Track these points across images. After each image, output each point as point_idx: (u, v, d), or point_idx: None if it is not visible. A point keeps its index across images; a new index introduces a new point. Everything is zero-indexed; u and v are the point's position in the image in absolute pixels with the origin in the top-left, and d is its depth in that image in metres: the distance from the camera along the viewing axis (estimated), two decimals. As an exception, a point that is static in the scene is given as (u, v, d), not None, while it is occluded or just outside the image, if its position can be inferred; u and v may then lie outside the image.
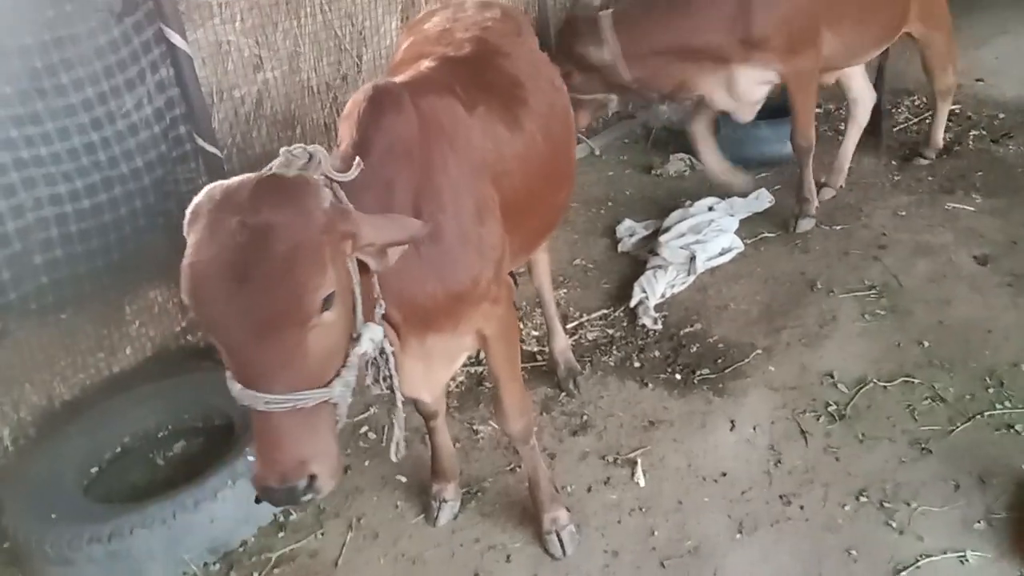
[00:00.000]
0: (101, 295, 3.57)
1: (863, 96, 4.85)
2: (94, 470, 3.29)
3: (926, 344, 3.49)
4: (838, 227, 4.39)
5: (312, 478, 1.70)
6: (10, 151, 3.18)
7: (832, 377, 3.38)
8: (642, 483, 3.00)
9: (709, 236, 4.20)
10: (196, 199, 1.68)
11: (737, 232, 4.38)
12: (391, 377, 2.11)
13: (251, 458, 2.96)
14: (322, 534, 2.96)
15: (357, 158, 1.92)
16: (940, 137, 5.09)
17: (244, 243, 1.58)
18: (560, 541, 2.75)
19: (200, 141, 3.84)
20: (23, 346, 3.36)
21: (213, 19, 3.88)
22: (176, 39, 3.68)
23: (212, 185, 1.69)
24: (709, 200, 4.64)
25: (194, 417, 3.45)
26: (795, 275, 4.05)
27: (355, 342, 1.84)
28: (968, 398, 3.19)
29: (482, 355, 3.65)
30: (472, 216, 2.28)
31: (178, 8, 3.70)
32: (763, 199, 4.67)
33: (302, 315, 1.63)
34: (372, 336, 1.88)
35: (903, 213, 4.50)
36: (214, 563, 2.88)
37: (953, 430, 3.05)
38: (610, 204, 5.09)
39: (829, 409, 3.23)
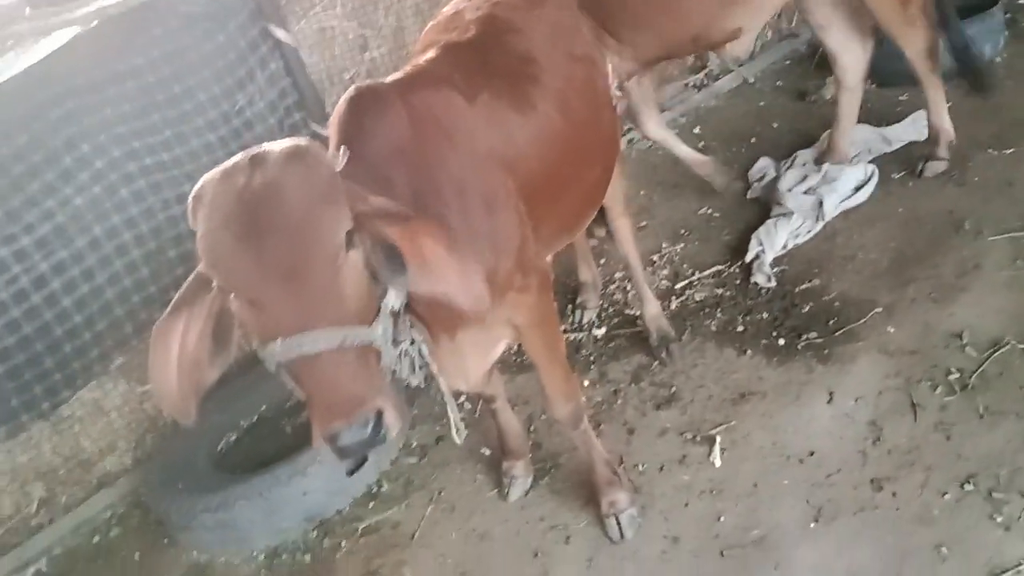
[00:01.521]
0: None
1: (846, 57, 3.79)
2: (233, 439, 3.70)
3: (1088, 296, 2.93)
4: (1008, 151, 3.73)
5: (379, 414, 1.65)
6: (135, 160, 3.55)
7: (961, 339, 2.94)
8: (718, 463, 2.84)
9: (836, 171, 3.75)
10: (193, 192, 1.70)
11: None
12: (427, 365, 2.12)
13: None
14: (406, 506, 3.13)
15: (343, 147, 1.90)
16: (948, 123, 3.70)
17: (257, 196, 1.61)
18: (619, 524, 2.69)
19: (315, 127, 4.06)
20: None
21: (315, 8, 4.03)
22: (280, 33, 3.88)
23: (206, 174, 1.73)
24: (857, 130, 4.13)
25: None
26: (942, 214, 3.52)
27: (383, 298, 1.83)
28: None
29: (571, 324, 3.62)
30: (480, 208, 2.23)
31: (279, 3, 3.89)
32: (922, 124, 4.05)
33: (331, 248, 1.65)
34: (398, 291, 1.86)
35: (1100, 128, 3.74)
36: (312, 531, 3.14)
37: (1101, 406, 2.57)
38: (753, 141, 4.69)
39: (950, 378, 2.83)
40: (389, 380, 1.85)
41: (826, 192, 3.70)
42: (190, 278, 1.79)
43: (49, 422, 3.51)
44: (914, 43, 3.54)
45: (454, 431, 2.27)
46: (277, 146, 1.73)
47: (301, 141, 1.79)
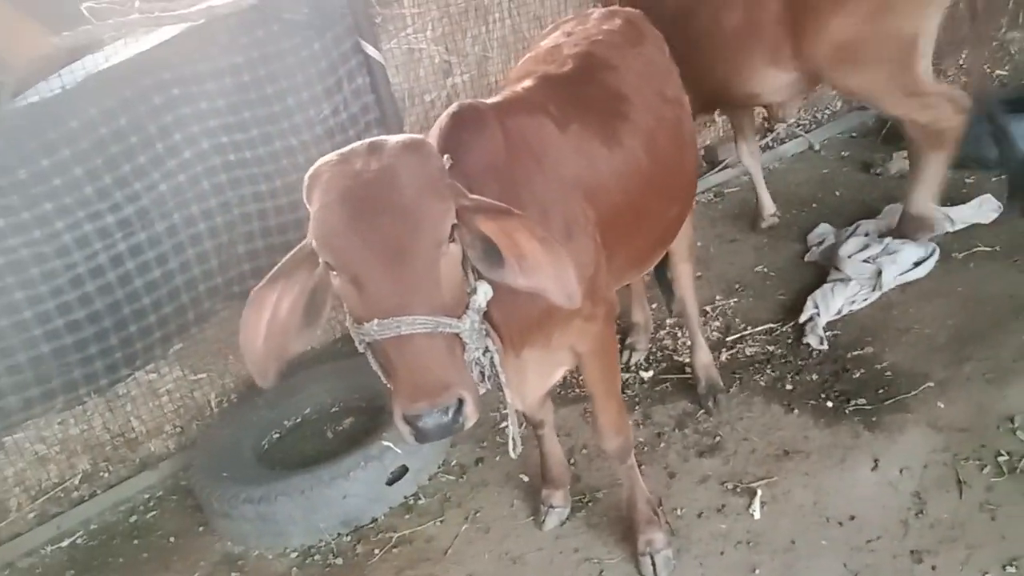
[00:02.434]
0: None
1: None
2: (276, 436, 3.77)
3: None
4: (1078, 240, 3.75)
5: (461, 403, 1.72)
6: (221, 155, 3.68)
7: (1013, 423, 2.93)
8: (757, 515, 2.84)
9: (897, 244, 3.78)
10: (310, 171, 1.80)
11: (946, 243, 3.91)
12: (498, 375, 2.14)
13: (387, 443, 3.23)
14: (441, 521, 3.16)
15: (445, 156, 2.00)
16: None
17: (373, 179, 1.72)
18: (653, 564, 2.70)
19: (390, 144, 4.17)
20: (228, 323, 3.90)
21: (407, 29, 4.18)
22: (370, 50, 4.02)
23: (321, 159, 1.83)
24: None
25: (362, 397, 3.80)
26: (1003, 298, 3.53)
27: (472, 295, 1.92)
28: None
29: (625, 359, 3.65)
30: (560, 232, 2.29)
31: (374, 21, 4.05)
32: (987, 208, 4.09)
33: (437, 236, 1.75)
34: (486, 291, 1.95)
35: None
36: (346, 535, 3.18)
37: None
38: (814, 206, 4.74)
39: (999, 459, 2.82)
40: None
41: (886, 263, 3.74)
42: (294, 251, 1.88)
43: (104, 398, 3.61)
44: None
45: (511, 445, 2.30)
46: (394, 137, 1.84)
47: (416, 136, 1.90)
